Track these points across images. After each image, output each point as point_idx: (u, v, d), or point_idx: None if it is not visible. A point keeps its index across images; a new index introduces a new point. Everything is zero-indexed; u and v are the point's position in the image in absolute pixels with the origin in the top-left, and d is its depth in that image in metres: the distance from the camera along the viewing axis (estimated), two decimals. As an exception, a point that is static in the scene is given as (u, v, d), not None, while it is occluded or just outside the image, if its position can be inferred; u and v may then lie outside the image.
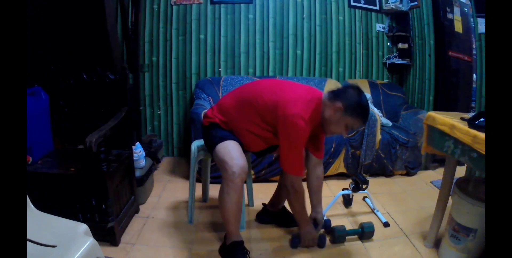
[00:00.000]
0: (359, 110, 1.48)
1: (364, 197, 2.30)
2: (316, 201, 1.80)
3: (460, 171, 1.94)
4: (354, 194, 2.13)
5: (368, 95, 3.10)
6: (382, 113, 3.05)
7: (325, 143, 2.47)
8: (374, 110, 2.72)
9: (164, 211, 2.11)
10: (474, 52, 3.01)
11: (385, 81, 3.40)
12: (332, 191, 2.46)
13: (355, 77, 3.36)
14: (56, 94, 1.85)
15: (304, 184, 1.69)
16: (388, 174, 2.75)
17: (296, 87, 1.60)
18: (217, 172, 2.30)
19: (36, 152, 1.69)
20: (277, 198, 1.94)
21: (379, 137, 2.61)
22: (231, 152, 1.51)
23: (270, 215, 1.97)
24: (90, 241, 1.09)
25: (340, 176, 2.67)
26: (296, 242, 1.76)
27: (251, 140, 1.62)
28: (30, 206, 1.21)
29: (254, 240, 1.82)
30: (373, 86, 3.23)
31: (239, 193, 1.50)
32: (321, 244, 1.76)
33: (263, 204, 2.01)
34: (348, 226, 1.91)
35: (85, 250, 1.04)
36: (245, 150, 1.61)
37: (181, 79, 3.11)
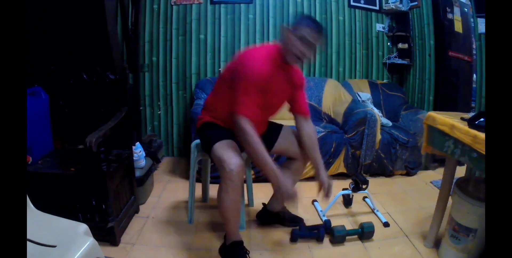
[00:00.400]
0: (307, 21, 1.51)
1: (364, 197, 2.30)
2: (316, 163, 1.69)
3: (460, 171, 1.94)
4: (354, 194, 2.13)
5: (368, 95, 3.10)
6: (382, 113, 3.05)
7: (325, 143, 2.52)
8: (374, 110, 2.72)
9: (164, 211, 2.11)
10: (474, 52, 3.01)
11: (385, 81, 3.40)
12: (332, 191, 2.46)
13: (355, 77, 3.36)
14: (56, 94, 1.85)
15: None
16: (388, 174, 2.75)
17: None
18: (217, 172, 2.29)
19: (36, 152, 1.69)
20: (276, 198, 1.94)
21: (379, 137, 2.61)
22: (228, 151, 1.51)
23: (269, 215, 1.97)
24: (90, 241, 1.09)
25: (340, 176, 2.66)
26: (296, 236, 1.76)
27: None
28: (30, 206, 1.21)
29: (254, 240, 1.82)
30: (373, 86, 3.23)
31: (238, 192, 1.51)
32: (319, 239, 1.77)
33: (263, 203, 2.01)
34: (348, 226, 1.91)
35: (85, 250, 1.04)
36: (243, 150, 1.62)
37: (181, 79, 3.11)
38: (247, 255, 1.59)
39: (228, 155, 1.48)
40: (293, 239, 1.78)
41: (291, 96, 1.70)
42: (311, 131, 1.72)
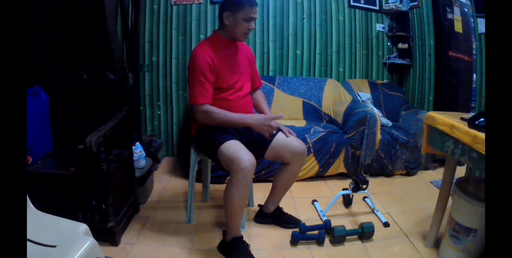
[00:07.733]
0: (240, 0, 1.60)
1: (364, 197, 2.30)
2: (264, 112, 1.88)
3: (460, 171, 1.94)
4: (354, 194, 2.13)
5: (368, 95, 3.10)
6: (382, 113, 3.05)
7: (325, 143, 2.51)
8: (374, 110, 2.72)
9: (164, 211, 2.11)
10: (474, 52, 3.01)
11: (385, 81, 3.40)
12: (332, 191, 2.46)
13: (355, 77, 3.36)
14: (56, 94, 1.85)
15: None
16: (388, 174, 2.75)
17: None
18: (217, 172, 2.30)
19: (36, 152, 1.69)
20: (270, 199, 1.95)
21: (379, 137, 2.61)
22: (240, 149, 1.53)
23: (266, 216, 1.97)
24: (90, 241, 1.09)
25: (340, 176, 2.67)
26: (296, 239, 1.76)
27: (226, 106, 1.70)
28: (30, 206, 1.21)
29: (254, 240, 1.81)
30: (373, 86, 3.23)
31: (248, 188, 1.54)
32: (320, 241, 1.77)
33: (259, 205, 2.02)
34: (348, 226, 1.91)
35: (85, 250, 1.04)
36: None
37: (181, 79, 3.11)
38: (248, 249, 1.61)
39: (241, 152, 1.51)
40: (294, 242, 1.77)
41: (250, 73, 1.86)
42: (260, 93, 1.97)
